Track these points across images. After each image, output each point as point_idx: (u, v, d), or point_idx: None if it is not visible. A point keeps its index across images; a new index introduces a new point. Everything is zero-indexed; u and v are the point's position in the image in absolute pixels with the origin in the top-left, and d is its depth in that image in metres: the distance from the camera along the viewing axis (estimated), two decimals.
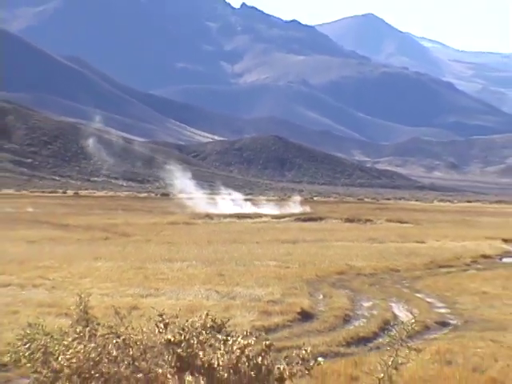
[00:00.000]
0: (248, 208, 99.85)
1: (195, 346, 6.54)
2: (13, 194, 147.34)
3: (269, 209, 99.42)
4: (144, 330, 6.98)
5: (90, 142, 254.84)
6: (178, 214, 79.79)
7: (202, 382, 6.41)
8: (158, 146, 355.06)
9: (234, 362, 6.43)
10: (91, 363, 6.58)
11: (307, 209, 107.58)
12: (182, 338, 6.60)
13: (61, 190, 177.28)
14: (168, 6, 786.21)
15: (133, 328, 7.04)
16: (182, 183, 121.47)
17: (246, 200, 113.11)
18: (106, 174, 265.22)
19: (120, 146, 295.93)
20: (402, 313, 22.78)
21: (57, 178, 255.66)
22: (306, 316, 21.58)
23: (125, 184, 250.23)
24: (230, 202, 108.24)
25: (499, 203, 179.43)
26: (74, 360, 6.60)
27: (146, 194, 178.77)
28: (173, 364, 6.54)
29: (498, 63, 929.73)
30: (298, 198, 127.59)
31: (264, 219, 78.20)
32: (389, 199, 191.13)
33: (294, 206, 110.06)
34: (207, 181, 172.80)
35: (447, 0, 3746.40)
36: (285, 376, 6.60)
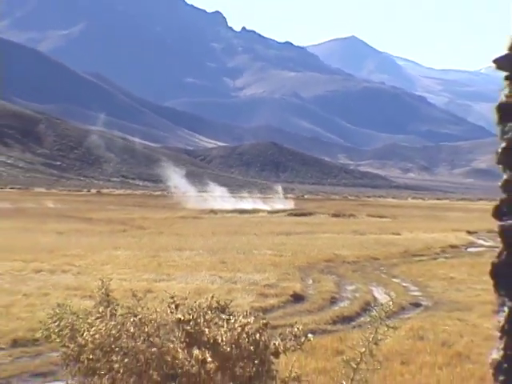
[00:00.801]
0: (236, 203, 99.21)
1: (202, 324, 6.55)
2: (44, 192, 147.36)
3: (263, 204, 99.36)
4: (157, 310, 6.99)
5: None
6: (187, 210, 79.85)
7: (207, 355, 6.42)
8: (169, 151, 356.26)
9: (236, 338, 6.44)
10: (112, 339, 6.59)
11: (291, 201, 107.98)
12: (191, 317, 6.61)
13: (85, 189, 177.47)
14: (178, 29, 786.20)
15: (148, 308, 7.04)
16: (177, 181, 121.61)
17: (232, 197, 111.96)
18: (124, 174, 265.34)
19: (137, 151, 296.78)
20: (380, 295, 22.82)
21: (82, 179, 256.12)
22: (297, 298, 21.62)
23: (141, 184, 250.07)
24: (219, 198, 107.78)
25: (464, 200, 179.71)
26: (96, 336, 6.61)
27: (159, 193, 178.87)
28: (182, 339, 6.55)
29: (465, 79, 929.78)
30: (280, 188, 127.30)
31: (261, 214, 78.27)
32: (369, 197, 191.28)
33: (279, 199, 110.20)
34: (213, 181, 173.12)
35: (419, 22, 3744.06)
36: (279, 350, 6.61)
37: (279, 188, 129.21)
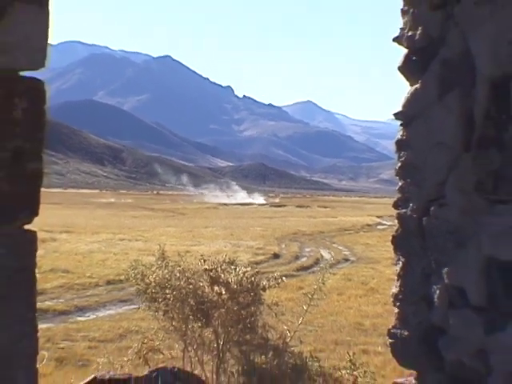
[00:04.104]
0: (238, 199, 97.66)
1: (219, 271, 6.54)
2: (125, 192, 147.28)
3: (252, 199, 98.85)
4: (193, 263, 6.98)
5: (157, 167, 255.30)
6: (209, 203, 79.73)
7: (223, 290, 6.41)
8: (200, 168, 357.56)
9: (240, 279, 6.43)
10: (166, 280, 6.57)
11: (246, 193, 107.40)
12: (213, 267, 6.60)
13: (150, 191, 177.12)
14: (205, 96, 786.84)
15: (187, 262, 7.03)
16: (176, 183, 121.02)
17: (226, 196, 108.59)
18: (174, 182, 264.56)
19: (181, 169, 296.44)
20: (326, 254, 22.84)
21: (148, 185, 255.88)
22: (276, 256, 21.64)
23: (182, 187, 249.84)
24: (217, 195, 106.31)
25: (375, 198, 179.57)
26: (157, 278, 6.60)
27: (193, 193, 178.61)
28: (208, 281, 6.54)
29: (376, 126, 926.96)
30: (236, 187, 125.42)
31: (254, 206, 78.19)
32: (318, 196, 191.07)
33: (236, 193, 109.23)
34: (222, 186, 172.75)
35: (349, 91, 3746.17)
36: (266, 287, 6.61)
37: (237, 187, 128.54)
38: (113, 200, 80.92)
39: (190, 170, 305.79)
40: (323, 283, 6.85)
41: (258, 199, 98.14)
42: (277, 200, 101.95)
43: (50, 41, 1.47)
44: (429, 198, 2.16)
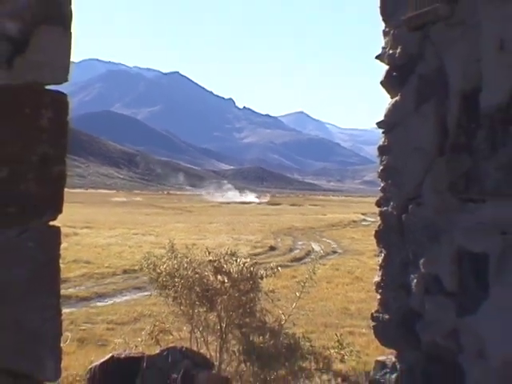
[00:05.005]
0: (238, 198, 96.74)
1: (222, 262, 6.52)
2: (139, 192, 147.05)
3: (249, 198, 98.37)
4: (199, 254, 6.96)
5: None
6: (213, 202, 79.69)
7: (225, 279, 6.40)
8: (206, 171, 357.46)
9: (240, 269, 6.41)
10: (175, 270, 6.56)
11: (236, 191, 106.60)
12: (216, 258, 6.58)
13: (160, 191, 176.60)
14: (209, 107, 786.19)
15: (194, 254, 7.01)
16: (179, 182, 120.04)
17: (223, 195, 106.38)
18: (182, 183, 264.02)
19: (188, 171, 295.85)
20: (316, 247, 22.81)
21: (158, 185, 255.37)
22: (272, 248, 21.61)
23: (189, 188, 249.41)
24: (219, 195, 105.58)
25: (360, 197, 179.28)
26: (167, 268, 6.58)
27: (199, 193, 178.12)
28: (212, 271, 6.52)
29: (360, 133, 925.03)
30: (229, 186, 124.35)
31: (253, 204, 78.10)
32: (310, 195, 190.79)
33: (232, 191, 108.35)
34: (224, 187, 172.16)
35: (339, 101, 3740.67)
36: (263, 276, 6.59)
37: (230, 186, 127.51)
38: (125, 199, 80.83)
39: (197, 173, 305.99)
40: (314, 272, 6.84)
41: (250, 197, 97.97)
42: (268, 198, 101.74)
43: (72, 58, 1.50)
44: (407, 197, 2.17)
